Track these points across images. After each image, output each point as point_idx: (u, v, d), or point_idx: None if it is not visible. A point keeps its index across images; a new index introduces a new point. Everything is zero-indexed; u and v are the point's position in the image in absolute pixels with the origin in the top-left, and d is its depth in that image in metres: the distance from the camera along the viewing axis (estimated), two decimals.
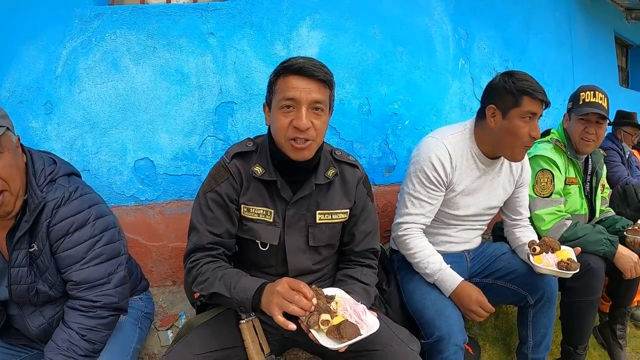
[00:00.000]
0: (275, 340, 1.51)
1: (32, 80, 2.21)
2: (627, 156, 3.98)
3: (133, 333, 1.62)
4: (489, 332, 2.37)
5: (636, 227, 2.22)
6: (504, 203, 2.04)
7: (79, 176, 1.55)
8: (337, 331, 1.17)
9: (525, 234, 2.02)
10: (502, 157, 1.91)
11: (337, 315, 1.21)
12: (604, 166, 2.52)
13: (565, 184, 2.24)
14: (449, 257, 1.87)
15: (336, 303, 1.26)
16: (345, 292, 1.38)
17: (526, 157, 2.02)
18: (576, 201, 2.31)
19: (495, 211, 2.02)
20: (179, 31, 2.21)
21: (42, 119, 2.21)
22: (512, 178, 1.98)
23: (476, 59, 3.01)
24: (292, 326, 1.15)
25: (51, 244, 1.37)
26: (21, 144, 1.38)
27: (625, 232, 2.22)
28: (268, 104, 1.43)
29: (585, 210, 2.35)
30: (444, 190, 1.83)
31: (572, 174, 2.28)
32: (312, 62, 1.35)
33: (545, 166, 2.18)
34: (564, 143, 2.27)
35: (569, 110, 2.30)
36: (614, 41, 5.45)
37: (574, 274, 1.71)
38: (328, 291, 1.32)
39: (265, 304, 1.23)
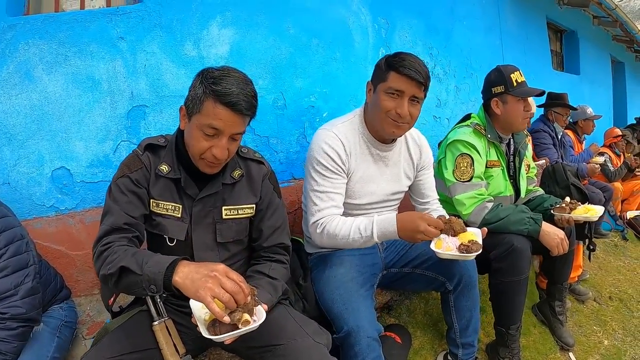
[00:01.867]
0: (191, 340, 1.44)
1: None
2: (559, 137, 3.92)
3: (50, 342, 1.58)
4: (419, 318, 2.29)
5: (563, 205, 2.14)
6: (410, 188, 1.97)
7: None
8: (212, 327, 1.13)
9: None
10: (398, 142, 1.83)
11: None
12: (528, 146, 2.45)
13: (486, 167, 2.15)
14: (360, 250, 1.76)
15: None
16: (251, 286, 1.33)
17: (424, 140, 1.97)
18: (500, 183, 2.21)
19: (401, 196, 1.94)
20: (90, 37, 2.10)
21: None
22: (411, 162, 1.90)
23: (398, 48, 2.96)
24: (227, 319, 1.05)
25: None
26: None
27: (552, 210, 2.15)
28: (188, 112, 1.31)
29: (510, 191, 2.26)
30: (345, 177, 1.72)
31: (493, 156, 2.19)
32: (244, 92, 1.26)
33: (464, 150, 2.09)
34: (484, 126, 2.17)
35: (501, 94, 2.15)
36: (546, 26, 5.42)
37: (480, 255, 1.59)
38: None
39: (188, 284, 1.06)
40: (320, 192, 1.66)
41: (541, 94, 2.12)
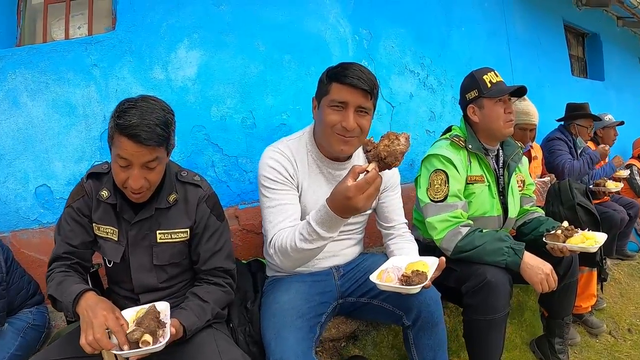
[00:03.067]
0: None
1: None
2: (579, 150, 3.45)
3: (13, 341, 1.68)
4: (385, 352, 2.02)
5: (558, 232, 1.81)
6: (375, 211, 1.78)
7: None
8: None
9: (399, 246, 1.71)
10: (356, 159, 1.67)
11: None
12: (524, 159, 2.15)
13: (467, 183, 1.89)
14: (313, 276, 1.66)
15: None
16: (180, 308, 1.39)
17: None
18: (485, 201, 1.93)
19: (363, 219, 1.76)
20: (67, 66, 2.22)
21: None
22: None
23: (383, 59, 2.85)
24: (89, 349, 1.15)
25: None
26: None
27: (544, 237, 1.84)
28: (109, 143, 1.35)
29: (498, 211, 1.96)
30: (296, 192, 1.57)
31: (476, 171, 1.92)
32: (145, 122, 1.25)
33: (439, 166, 1.85)
34: (465, 138, 1.94)
35: (476, 99, 1.94)
36: (564, 30, 5.01)
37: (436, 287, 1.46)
38: (159, 305, 1.33)
39: (81, 317, 1.21)
40: (272, 206, 1.51)
41: (520, 89, 1.89)
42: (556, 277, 1.69)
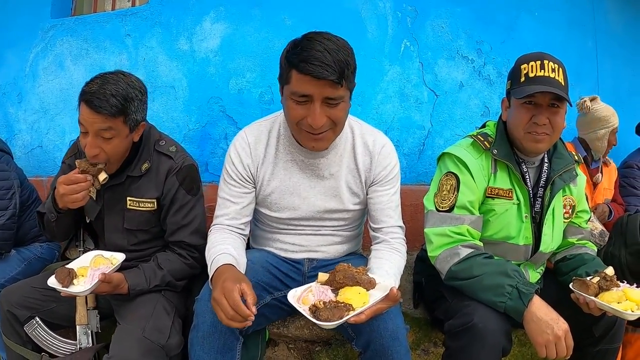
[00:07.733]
0: (106, 303, 1.58)
1: (11, 77, 2.70)
2: None
3: (16, 266, 1.91)
4: None
5: (594, 280, 1.33)
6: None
7: (5, 151, 1.95)
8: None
9: (379, 254, 1.36)
10: (340, 147, 1.43)
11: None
12: (580, 178, 1.63)
13: (487, 195, 1.50)
14: (283, 261, 1.49)
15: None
16: (136, 267, 1.48)
17: (382, 147, 1.45)
18: (510, 224, 1.50)
19: (347, 215, 1.48)
20: (105, 35, 2.44)
21: (16, 106, 2.70)
22: (357, 175, 1.44)
23: (429, 41, 2.57)
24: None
25: None
26: None
27: (571, 284, 1.36)
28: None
29: (526, 239, 1.51)
30: (249, 188, 1.43)
31: (502, 183, 1.50)
32: (102, 90, 1.32)
33: (451, 168, 1.49)
34: (493, 138, 1.53)
35: (508, 93, 1.53)
36: None
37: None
38: (118, 255, 1.43)
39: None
40: (220, 197, 1.43)
41: (556, 97, 1.39)
42: (571, 344, 1.24)
